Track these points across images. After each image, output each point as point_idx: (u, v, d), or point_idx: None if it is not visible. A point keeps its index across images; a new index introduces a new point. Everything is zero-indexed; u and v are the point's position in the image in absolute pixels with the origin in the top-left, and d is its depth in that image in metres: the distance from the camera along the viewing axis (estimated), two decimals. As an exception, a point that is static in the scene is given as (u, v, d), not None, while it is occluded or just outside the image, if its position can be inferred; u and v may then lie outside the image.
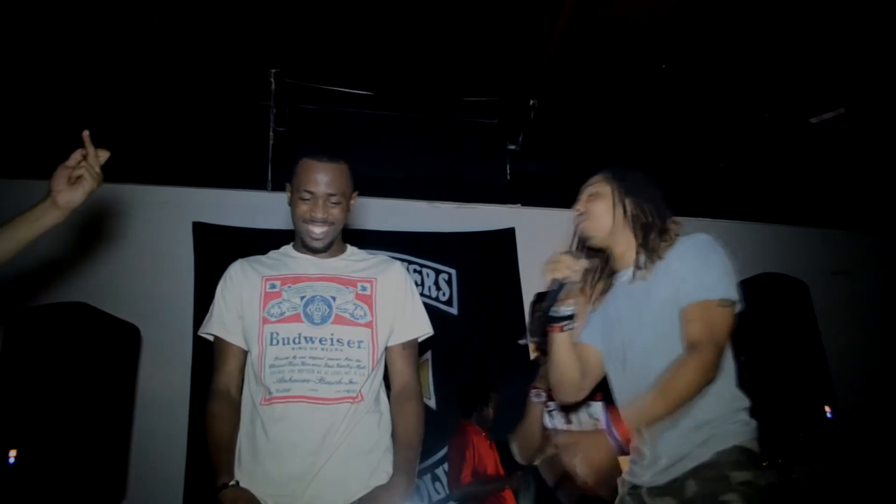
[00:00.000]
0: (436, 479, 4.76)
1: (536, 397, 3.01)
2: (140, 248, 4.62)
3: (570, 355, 2.28)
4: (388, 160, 5.37)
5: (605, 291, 2.31)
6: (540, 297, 3.14)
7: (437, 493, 4.75)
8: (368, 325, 2.28)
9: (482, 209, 5.40)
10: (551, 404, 3.13)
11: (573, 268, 2.17)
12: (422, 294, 4.95)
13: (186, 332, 4.37)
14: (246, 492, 2.11)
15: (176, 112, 4.98)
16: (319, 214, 2.25)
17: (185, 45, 4.58)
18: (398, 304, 2.37)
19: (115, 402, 3.67)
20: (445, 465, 4.71)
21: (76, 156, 1.92)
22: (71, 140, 1.93)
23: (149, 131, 4.91)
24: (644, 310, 2.13)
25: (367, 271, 2.38)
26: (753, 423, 2.05)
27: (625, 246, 2.23)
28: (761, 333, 4.03)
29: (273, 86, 4.96)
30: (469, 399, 4.66)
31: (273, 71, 4.92)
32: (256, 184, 4.97)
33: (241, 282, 2.31)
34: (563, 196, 5.39)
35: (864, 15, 4.27)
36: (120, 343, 3.77)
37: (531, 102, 5.22)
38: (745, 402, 2.09)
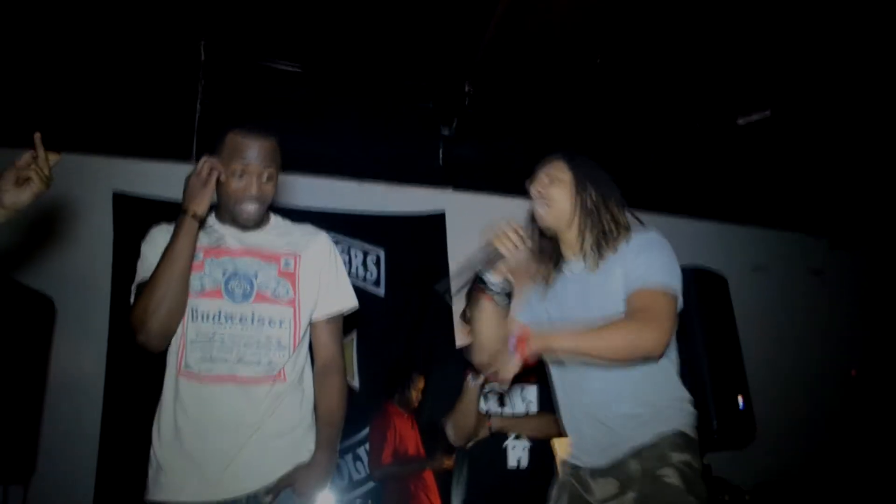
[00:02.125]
0: (357, 458, 4.77)
1: (473, 381, 3.03)
2: (57, 218, 4.46)
3: (492, 324, 2.24)
4: (319, 138, 5.29)
5: (550, 277, 2.31)
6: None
7: (358, 472, 4.75)
8: (291, 303, 2.25)
9: (413, 192, 5.39)
10: (486, 387, 3.17)
11: (515, 243, 2.14)
12: (349, 273, 4.94)
13: (103, 306, 4.25)
14: None
15: (99, 79, 4.81)
16: (255, 191, 2.19)
17: (113, 10, 4.42)
18: (323, 278, 2.33)
19: (26, 374, 3.56)
20: (367, 446, 4.71)
21: (26, 157, 1.88)
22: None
23: (70, 98, 4.73)
24: (592, 298, 2.14)
25: (291, 245, 2.33)
26: (694, 412, 2.14)
27: (577, 234, 2.22)
28: (680, 325, 4.13)
29: (202, 57, 4.83)
30: (392, 380, 4.67)
31: (203, 42, 4.79)
32: (180, 155, 4.84)
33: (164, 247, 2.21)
34: (494, 182, 5.49)
35: (792, 21, 4.39)
36: (33, 314, 3.65)
37: (466, 88, 5.22)
38: (687, 394, 2.16)
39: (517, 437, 3.13)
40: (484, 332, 2.26)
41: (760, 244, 6.18)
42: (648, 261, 2.08)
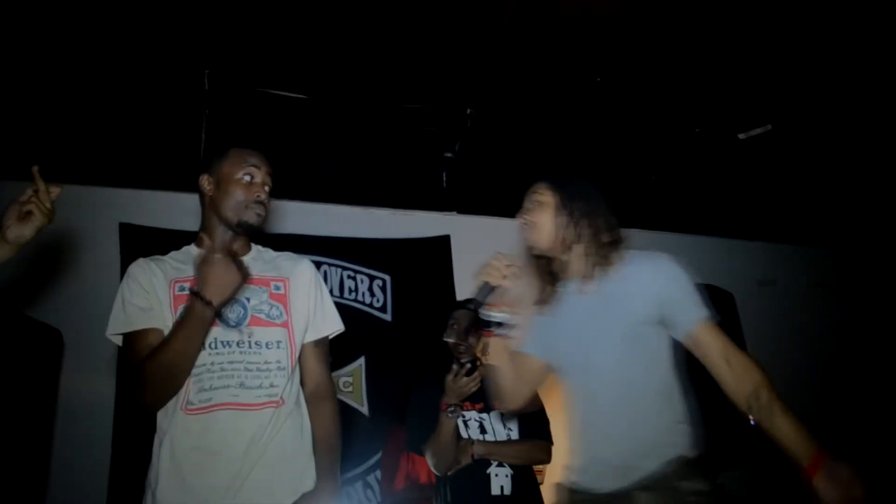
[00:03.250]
0: (367, 486, 4.73)
1: (452, 414, 3.02)
2: (64, 250, 4.47)
3: (504, 362, 2.29)
4: (324, 165, 5.32)
5: (550, 300, 2.30)
6: (461, 304, 3.18)
7: (369, 500, 4.71)
8: (284, 324, 2.24)
9: (418, 216, 5.40)
10: (467, 414, 3.16)
11: (505, 273, 2.18)
12: (355, 300, 4.95)
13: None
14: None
15: (105, 111, 4.84)
16: (262, 196, 2.27)
17: (117, 43, 4.46)
18: (309, 304, 2.34)
19: (35, 408, 3.56)
20: (377, 473, 4.68)
21: (28, 191, 1.90)
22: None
23: (76, 130, 4.77)
24: (605, 319, 2.14)
25: (278, 270, 2.34)
26: (691, 432, 2.14)
27: (571, 255, 2.23)
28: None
29: (207, 86, 4.87)
30: (402, 405, 4.64)
31: (207, 71, 4.82)
32: (187, 185, 4.86)
33: (147, 284, 2.21)
34: (498, 204, 5.50)
35: (792, 34, 4.41)
36: (41, 347, 3.65)
37: (468, 111, 5.24)
38: (684, 413, 2.17)
39: (500, 465, 3.12)
40: (502, 372, 2.30)
41: (765, 259, 6.16)
42: (686, 292, 2.12)
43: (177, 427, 2.11)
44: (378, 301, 5.09)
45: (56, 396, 3.87)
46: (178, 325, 2.05)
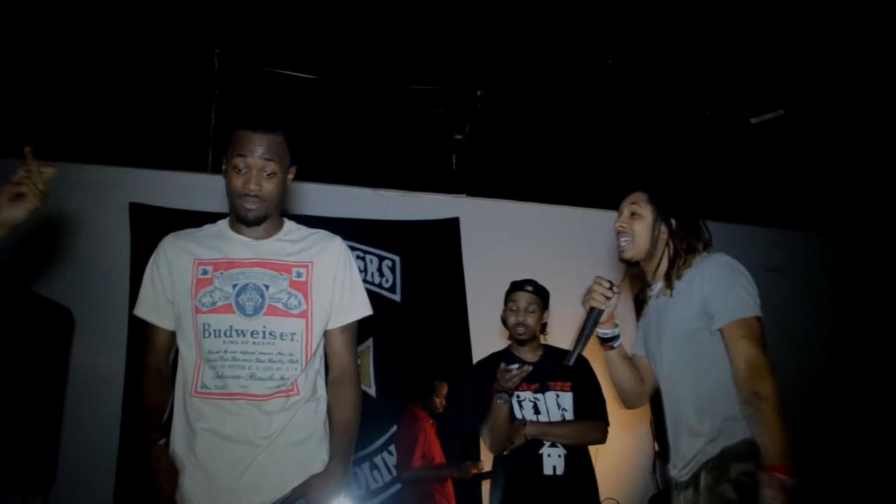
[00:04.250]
0: (374, 467, 4.76)
1: (500, 400, 3.07)
2: (74, 229, 4.49)
3: (623, 368, 2.49)
4: (334, 146, 5.32)
5: (645, 304, 2.51)
6: (518, 286, 3.27)
7: (376, 481, 4.75)
8: (303, 314, 2.21)
9: (427, 198, 5.39)
10: (521, 395, 3.19)
11: (606, 296, 2.36)
12: (365, 280, 4.95)
13: (121, 316, 4.27)
14: (167, 457, 2.14)
15: (115, 91, 4.85)
16: (252, 187, 2.14)
17: (128, 24, 4.46)
18: (337, 286, 2.29)
19: (46, 385, 3.58)
20: (384, 454, 4.71)
21: (21, 172, 1.85)
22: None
23: (87, 110, 4.78)
24: (664, 324, 2.34)
25: (302, 253, 2.28)
26: (743, 424, 2.18)
27: (657, 263, 2.41)
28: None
29: (216, 66, 4.86)
30: (414, 386, 4.67)
31: (217, 51, 4.82)
32: (196, 165, 4.87)
33: (173, 264, 2.22)
34: (508, 187, 5.49)
35: (804, 19, 4.37)
36: (52, 325, 3.67)
37: (478, 93, 5.23)
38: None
39: (553, 445, 3.14)
40: (619, 379, 2.52)
41: (774, 245, 6.13)
42: (728, 289, 2.22)
43: (191, 413, 2.14)
44: (387, 282, 5.10)
45: (67, 373, 3.89)
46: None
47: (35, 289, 3.57)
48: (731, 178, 5.92)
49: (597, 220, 5.07)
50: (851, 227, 6.34)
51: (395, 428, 4.74)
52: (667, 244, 2.39)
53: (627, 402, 2.60)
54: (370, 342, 4.93)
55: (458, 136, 5.55)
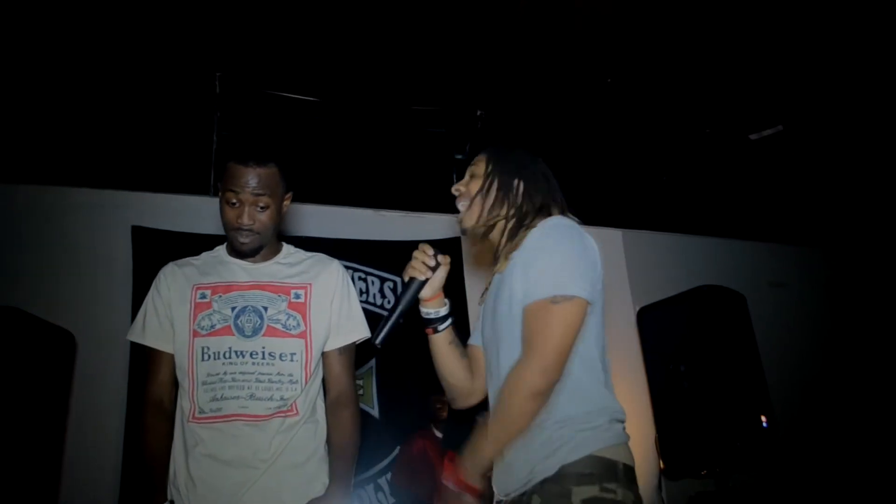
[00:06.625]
0: (378, 489, 4.73)
1: (480, 416, 3.01)
2: (76, 253, 4.49)
3: (450, 358, 2.09)
4: (335, 167, 5.33)
5: (488, 285, 2.09)
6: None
7: (380, 502, 4.72)
8: (302, 335, 2.21)
9: (428, 218, 5.39)
10: None
11: (428, 264, 2.00)
12: (366, 301, 4.95)
13: (123, 339, 4.22)
14: None
15: (117, 114, 4.87)
16: (245, 221, 2.14)
17: (129, 46, 4.49)
18: (334, 309, 2.29)
19: (47, 410, 3.57)
20: (388, 475, 4.69)
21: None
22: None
23: (88, 134, 4.80)
24: (496, 303, 1.93)
25: (301, 276, 2.29)
26: (617, 427, 1.78)
27: (498, 231, 2.00)
28: (700, 344, 4.12)
29: (218, 89, 4.89)
30: (418, 406, 4.69)
31: (218, 74, 4.84)
32: (198, 188, 4.89)
33: (172, 289, 2.24)
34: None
35: (804, 36, 4.40)
36: (53, 349, 3.66)
37: (478, 112, 5.25)
38: (608, 403, 1.80)
39: None
40: (445, 371, 2.11)
41: (776, 260, 6.14)
42: (543, 262, 1.80)
43: (189, 433, 2.14)
44: (389, 303, 5.09)
45: (69, 398, 3.88)
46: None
47: (36, 312, 3.57)
48: (732, 193, 5.93)
49: (597, 238, 5.04)
50: (853, 243, 6.34)
51: (398, 449, 4.73)
52: (501, 206, 1.96)
53: (454, 400, 2.14)
54: (373, 363, 4.92)
55: (459, 156, 5.56)
